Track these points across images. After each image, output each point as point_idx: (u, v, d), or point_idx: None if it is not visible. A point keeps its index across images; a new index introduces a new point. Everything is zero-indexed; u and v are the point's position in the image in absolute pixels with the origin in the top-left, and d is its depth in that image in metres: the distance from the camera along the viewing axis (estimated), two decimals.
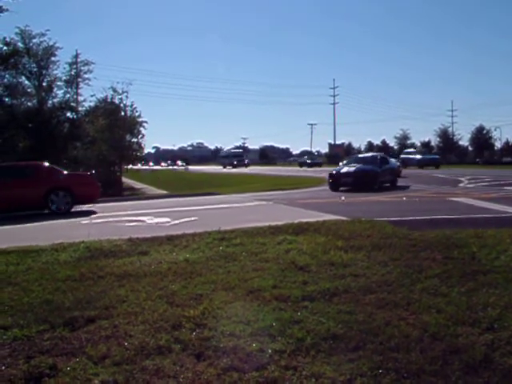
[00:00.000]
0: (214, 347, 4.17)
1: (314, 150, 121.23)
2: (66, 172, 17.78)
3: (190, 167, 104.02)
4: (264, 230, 9.47)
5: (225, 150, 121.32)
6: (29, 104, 31.41)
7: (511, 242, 7.72)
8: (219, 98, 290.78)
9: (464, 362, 3.80)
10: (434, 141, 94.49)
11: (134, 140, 40.02)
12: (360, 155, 29.72)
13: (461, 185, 24.16)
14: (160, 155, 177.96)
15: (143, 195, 31.51)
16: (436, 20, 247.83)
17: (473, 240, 7.90)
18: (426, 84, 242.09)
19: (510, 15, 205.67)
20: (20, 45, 29.44)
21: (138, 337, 4.45)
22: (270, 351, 4.04)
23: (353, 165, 23.80)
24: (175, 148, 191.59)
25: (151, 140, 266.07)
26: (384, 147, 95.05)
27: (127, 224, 12.23)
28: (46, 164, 17.54)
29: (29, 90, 31.21)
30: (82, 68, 32.94)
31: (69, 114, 32.85)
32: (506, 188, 20.76)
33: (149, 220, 12.87)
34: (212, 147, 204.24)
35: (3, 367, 3.97)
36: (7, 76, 29.72)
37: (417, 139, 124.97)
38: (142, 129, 39.78)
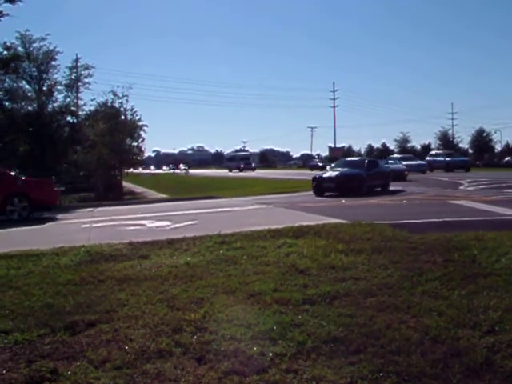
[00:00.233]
0: (214, 351, 4.17)
1: (314, 154, 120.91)
2: (23, 177, 17.53)
3: (191, 171, 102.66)
4: (264, 234, 9.47)
5: (229, 152, 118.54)
6: (29, 108, 31.46)
7: None
8: (219, 101, 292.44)
9: (465, 364, 3.80)
10: (434, 143, 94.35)
11: (135, 144, 40.02)
12: (348, 159, 29.24)
13: (461, 187, 24.14)
14: (160, 159, 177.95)
15: (144, 199, 31.53)
16: (436, 21, 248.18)
17: (473, 243, 7.90)
18: (426, 86, 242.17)
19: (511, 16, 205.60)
20: (20, 49, 29.52)
21: (139, 341, 4.45)
22: (270, 354, 4.04)
23: (338, 169, 23.44)
24: (175, 152, 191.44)
25: (151, 144, 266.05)
26: (384, 150, 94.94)
27: (128, 228, 12.24)
28: (1, 169, 17.36)
29: (29, 94, 31.27)
30: (83, 72, 33.01)
31: (69, 118, 32.90)
32: (506, 190, 20.75)
33: (149, 224, 12.88)
34: (212, 151, 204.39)
35: (4, 371, 3.97)
36: (7, 80, 29.78)
37: (417, 142, 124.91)
38: (142, 133, 39.79)
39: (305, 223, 10.50)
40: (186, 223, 12.46)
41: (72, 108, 32.64)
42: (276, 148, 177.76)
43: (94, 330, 4.79)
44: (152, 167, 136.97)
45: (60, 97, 31.71)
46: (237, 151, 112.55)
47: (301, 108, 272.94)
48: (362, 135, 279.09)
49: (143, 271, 7.07)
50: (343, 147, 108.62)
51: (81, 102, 34.69)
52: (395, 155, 50.75)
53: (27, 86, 31.06)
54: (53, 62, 30.77)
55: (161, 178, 61.82)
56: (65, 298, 5.87)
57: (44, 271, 7.32)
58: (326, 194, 21.67)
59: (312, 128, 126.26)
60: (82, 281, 6.66)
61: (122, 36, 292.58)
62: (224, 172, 79.06)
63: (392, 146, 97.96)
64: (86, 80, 33.25)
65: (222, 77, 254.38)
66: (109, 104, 38.73)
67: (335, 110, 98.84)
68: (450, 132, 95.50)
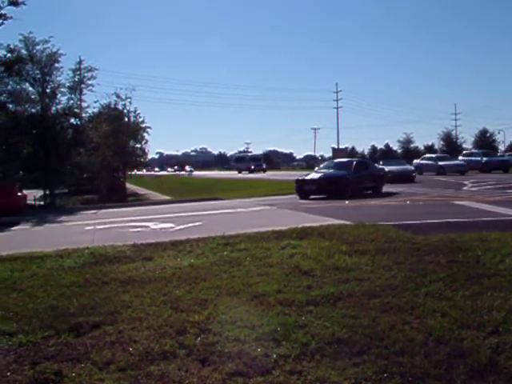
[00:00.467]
0: (218, 352, 4.18)
1: (317, 155, 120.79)
2: None
3: (194, 173, 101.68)
4: (268, 235, 9.47)
5: (235, 153, 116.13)
6: (32, 110, 31.44)
7: None
8: (222, 103, 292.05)
9: (469, 365, 3.79)
10: (438, 144, 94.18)
11: (138, 146, 40.09)
12: (336, 160, 28.50)
13: (465, 188, 24.10)
14: (164, 161, 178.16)
15: (147, 201, 31.57)
16: (437, 22, 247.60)
17: (477, 243, 7.88)
18: (428, 87, 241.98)
19: None
20: (24, 52, 29.50)
21: (143, 342, 4.46)
22: (274, 356, 4.04)
23: (323, 170, 23.04)
24: (179, 153, 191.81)
25: (155, 145, 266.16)
26: (387, 151, 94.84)
27: (131, 230, 12.26)
28: None
29: (32, 97, 31.27)
30: (86, 74, 32.95)
31: (72, 120, 32.83)
32: (509, 191, 20.69)
33: (153, 225, 12.89)
34: (216, 152, 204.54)
35: (9, 373, 3.99)
36: (11, 83, 29.78)
37: (420, 143, 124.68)
38: (145, 134, 39.88)
39: (308, 224, 10.50)
40: (189, 225, 12.48)
41: (75, 110, 32.62)
42: (279, 149, 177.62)
43: (98, 332, 4.80)
44: (156, 169, 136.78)
45: (63, 99, 31.71)
46: (240, 152, 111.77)
47: (304, 109, 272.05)
48: (366, 136, 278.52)
49: (147, 273, 7.08)
50: (346, 148, 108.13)
51: (84, 104, 34.63)
52: (428, 155, 47.14)
53: (30, 89, 31.08)
54: (56, 65, 30.77)
55: (164, 180, 61.88)
56: (69, 299, 5.88)
57: (48, 273, 7.34)
58: (311, 196, 21.06)
59: (315, 129, 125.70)
60: (86, 283, 6.67)
61: (123, 37, 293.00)
62: (231, 174, 74.17)
63: (395, 146, 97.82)
64: (90, 82, 33.24)
65: (224, 78, 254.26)
66: (112, 106, 38.83)
67: (338, 111, 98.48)
68: (453, 132, 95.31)
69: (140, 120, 39.52)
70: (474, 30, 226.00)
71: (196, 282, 6.41)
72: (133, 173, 46.31)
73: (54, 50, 30.52)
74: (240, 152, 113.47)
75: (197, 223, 12.76)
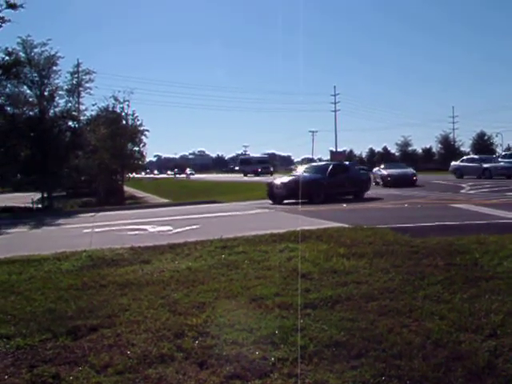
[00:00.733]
0: (216, 355, 4.17)
1: (315, 158, 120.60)
2: None
3: (195, 175, 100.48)
4: (266, 238, 9.47)
5: (240, 154, 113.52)
6: (30, 113, 31.43)
7: None
8: (220, 105, 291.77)
9: (467, 368, 3.80)
10: (436, 147, 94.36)
11: (136, 149, 40.07)
12: (314, 164, 27.22)
13: (462, 191, 24.13)
14: (162, 164, 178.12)
15: (145, 204, 31.56)
16: (436, 25, 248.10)
17: (475, 246, 7.90)
18: (426, 90, 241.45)
19: None
20: (22, 55, 29.49)
21: (141, 345, 4.45)
22: (272, 359, 4.04)
23: (295, 174, 22.35)
24: (177, 156, 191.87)
25: (153, 148, 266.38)
26: (385, 154, 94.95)
27: (129, 232, 12.25)
28: None
29: (30, 100, 31.25)
30: (84, 77, 32.91)
31: (70, 123, 32.86)
32: (507, 194, 20.72)
33: (151, 228, 12.88)
34: (213, 155, 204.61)
35: (6, 376, 3.98)
36: (9, 85, 29.84)
37: (418, 146, 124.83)
38: (143, 137, 39.87)
39: (306, 227, 10.51)
40: (187, 228, 12.47)
41: (73, 113, 32.63)
42: (277, 152, 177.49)
43: (95, 335, 4.80)
44: (156, 171, 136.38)
45: (61, 102, 31.71)
46: (238, 155, 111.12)
47: (302, 112, 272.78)
48: (364, 139, 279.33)
49: (145, 276, 7.08)
50: (344, 151, 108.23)
51: (82, 107, 34.64)
52: (469, 156, 44.41)
53: (28, 91, 31.10)
54: (54, 67, 30.78)
55: (162, 183, 61.80)
56: (67, 302, 5.87)
57: (46, 276, 7.33)
58: (285, 201, 20.03)
59: (313, 132, 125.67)
60: (84, 286, 6.66)
61: (121, 40, 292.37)
62: (235, 177, 69.49)
63: (393, 149, 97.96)
64: (87, 85, 33.23)
65: (222, 81, 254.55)
66: (110, 109, 38.82)
67: (336, 114, 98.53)
68: (451, 136, 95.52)
69: (138, 123, 39.54)
70: (473, 32, 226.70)
71: (194, 285, 6.40)
72: (131, 175, 46.20)
73: (52, 52, 30.58)
74: (238, 155, 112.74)
75: (195, 226, 12.76)
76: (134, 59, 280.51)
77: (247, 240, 9.39)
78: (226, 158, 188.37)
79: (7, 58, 27.69)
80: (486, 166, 35.25)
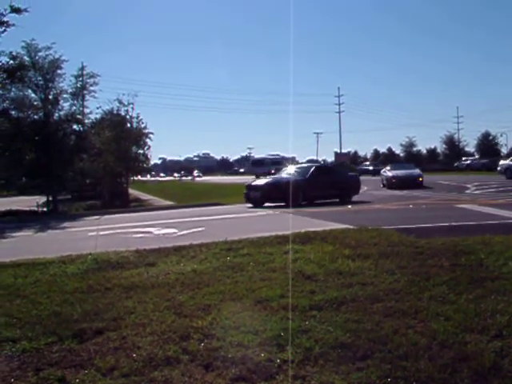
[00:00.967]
0: (222, 357, 4.17)
1: (320, 159, 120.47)
2: None
3: (198, 179, 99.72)
4: (271, 240, 9.46)
5: (252, 156, 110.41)
6: (35, 117, 31.49)
7: None
8: (224, 107, 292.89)
9: (473, 369, 3.78)
10: (440, 148, 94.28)
11: (141, 151, 40.15)
12: (297, 165, 26.19)
13: (468, 191, 24.08)
14: (167, 166, 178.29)
15: (150, 206, 31.58)
16: (440, 25, 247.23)
17: (480, 247, 7.87)
18: (430, 91, 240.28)
19: None
20: (26, 58, 29.57)
21: (147, 348, 4.45)
22: (278, 361, 4.04)
23: (274, 176, 21.62)
24: (181, 159, 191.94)
25: (157, 151, 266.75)
26: (390, 155, 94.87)
27: (134, 235, 12.26)
28: None
29: (35, 103, 31.31)
30: (88, 80, 33.03)
31: (75, 127, 32.93)
32: None
33: (156, 231, 12.90)
34: (218, 157, 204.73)
35: (12, 380, 3.99)
36: (14, 89, 29.93)
37: (423, 146, 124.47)
38: (148, 140, 39.95)
39: (311, 229, 10.50)
40: (192, 230, 12.47)
41: (78, 116, 32.73)
42: (282, 154, 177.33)
43: (101, 338, 4.80)
44: (162, 174, 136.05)
45: (66, 105, 31.79)
46: (243, 157, 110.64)
47: (306, 113, 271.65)
48: (368, 140, 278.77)
49: (150, 279, 7.08)
50: (349, 152, 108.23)
51: (87, 110, 34.79)
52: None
53: (33, 95, 31.16)
54: (58, 71, 30.85)
55: (166, 185, 61.83)
56: (72, 306, 5.88)
57: (51, 279, 7.35)
58: (267, 204, 19.29)
59: (318, 133, 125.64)
60: (89, 289, 6.67)
61: (125, 42, 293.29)
62: (244, 178, 61.81)
63: (398, 150, 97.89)
64: (92, 88, 33.34)
65: (226, 83, 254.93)
66: (114, 112, 38.92)
67: (340, 115, 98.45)
68: (455, 136, 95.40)
69: (142, 125, 39.65)
70: (477, 33, 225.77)
71: (199, 288, 6.40)
72: (136, 178, 46.26)
73: (57, 56, 30.64)
74: (242, 157, 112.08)
75: (199, 228, 12.76)
76: (137, 61, 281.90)
77: (252, 242, 9.39)
78: (231, 160, 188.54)
79: (12, 61, 27.75)
80: None
